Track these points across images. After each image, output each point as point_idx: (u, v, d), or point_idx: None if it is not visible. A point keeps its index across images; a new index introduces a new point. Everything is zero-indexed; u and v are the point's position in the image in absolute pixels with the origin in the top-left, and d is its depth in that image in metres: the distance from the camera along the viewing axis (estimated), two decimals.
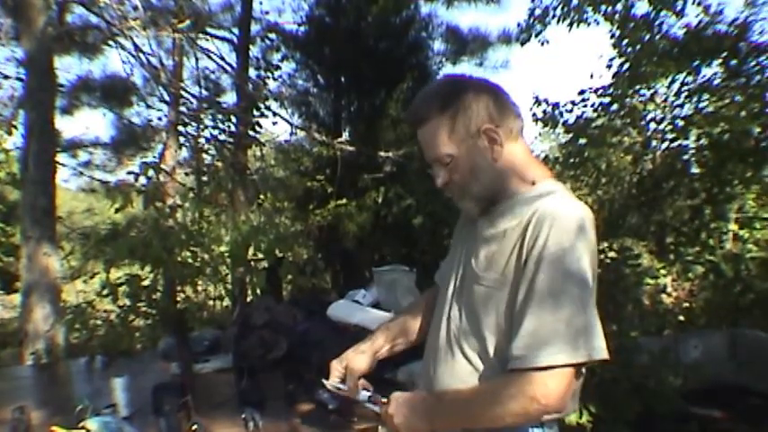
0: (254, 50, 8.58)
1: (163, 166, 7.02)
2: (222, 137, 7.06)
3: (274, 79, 7.31)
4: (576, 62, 10.27)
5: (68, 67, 10.15)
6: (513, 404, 1.31)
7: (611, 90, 5.61)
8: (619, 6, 5.54)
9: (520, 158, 1.50)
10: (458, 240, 1.68)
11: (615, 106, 5.68)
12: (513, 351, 1.33)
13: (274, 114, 6.97)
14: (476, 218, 1.53)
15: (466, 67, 9.41)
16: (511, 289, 1.39)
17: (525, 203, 1.43)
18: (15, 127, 8.55)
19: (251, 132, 7.04)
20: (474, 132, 1.45)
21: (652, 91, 5.67)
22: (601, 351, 1.31)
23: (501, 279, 1.41)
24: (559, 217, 1.34)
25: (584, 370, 1.42)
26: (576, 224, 1.34)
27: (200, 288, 5.16)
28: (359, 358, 1.70)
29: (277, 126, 7.41)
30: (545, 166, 1.59)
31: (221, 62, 7.94)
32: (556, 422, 1.47)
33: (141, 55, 6.65)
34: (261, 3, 8.98)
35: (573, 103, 5.91)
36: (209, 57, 7.87)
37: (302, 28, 8.32)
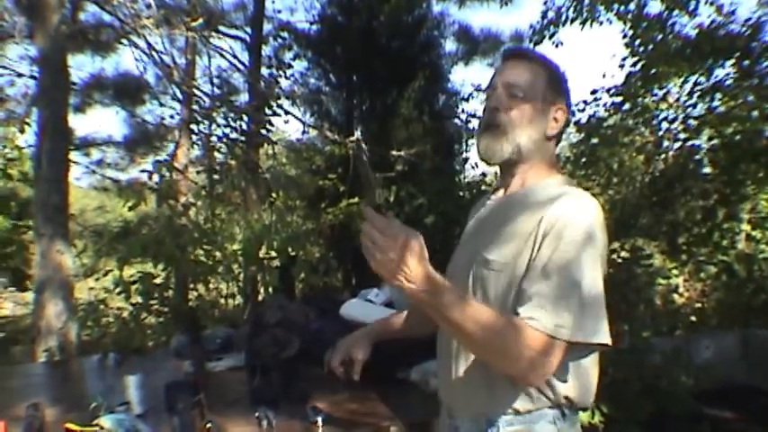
0: (267, 49, 8.64)
1: (175, 164, 7.07)
2: (234, 135, 7.06)
3: (286, 78, 7.31)
4: (588, 61, 10.24)
5: (81, 66, 10.26)
6: (516, 351, 1.27)
7: (624, 89, 5.60)
8: (632, 6, 5.53)
9: (553, 154, 1.57)
10: (468, 233, 1.68)
11: (627, 106, 5.67)
12: (554, 319, 1.28)
13: (286, 113, 6.99)
14: (495, 163, 1.54)
15: (478, 67, 9.45)
16: (524, 272, 1.36)
17: (543, 191, 1.45)
18: (28, 125, 8.65)
19: (263, 131, 7.06)
20: (551, 101, 1.51)
21: (664, 90, 5.66)
22: (608, 336, 1.32)
23: (512, 263, 1.39)
24: (575, 207, 1.36)
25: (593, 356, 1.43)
26: (591, 217, 1.35)
27: (212, 286, 5.19)
28: (358, 343, 1.88)
29: (289, 125, 7.45)
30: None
31: (234, 61, 8.00)
32: (577, 412, 1.46)
33: (154, 53, 6.72)
34: (273, 2, 9.08)
35: (585, 102, 5.91)
36: (222, 55, 7.91)
37: (314, 27, 8.34)
